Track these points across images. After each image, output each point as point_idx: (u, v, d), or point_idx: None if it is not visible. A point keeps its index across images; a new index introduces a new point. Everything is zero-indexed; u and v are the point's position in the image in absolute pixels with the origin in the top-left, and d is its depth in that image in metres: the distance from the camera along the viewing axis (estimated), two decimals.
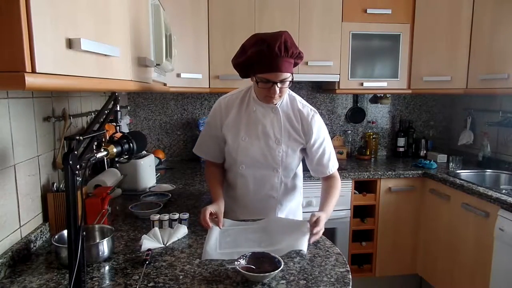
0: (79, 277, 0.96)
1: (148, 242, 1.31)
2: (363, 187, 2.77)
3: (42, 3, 0.66)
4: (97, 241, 1.28)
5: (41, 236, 1.39)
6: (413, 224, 2.77)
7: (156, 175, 2.37)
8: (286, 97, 1.57)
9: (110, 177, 1.83)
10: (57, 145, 1.61)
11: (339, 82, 2.80)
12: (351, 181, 2.67)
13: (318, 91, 3.25)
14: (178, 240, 1.38)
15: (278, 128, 1.55)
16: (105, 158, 1.25)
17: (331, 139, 3.19)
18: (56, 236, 1.21)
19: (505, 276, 1.98)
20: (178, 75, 2.53)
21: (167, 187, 2.17)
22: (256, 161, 1.57)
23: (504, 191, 2.16)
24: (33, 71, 0.63)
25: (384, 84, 2.84)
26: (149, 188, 2.14)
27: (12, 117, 1.25)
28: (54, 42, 0.70)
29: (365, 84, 2.82)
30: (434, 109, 3.39)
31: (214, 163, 1.71)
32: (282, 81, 1.40)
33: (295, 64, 1.45)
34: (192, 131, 3.14)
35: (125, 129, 2.54)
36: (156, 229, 1.40)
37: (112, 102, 1.27)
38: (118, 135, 1.34)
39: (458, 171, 2.65)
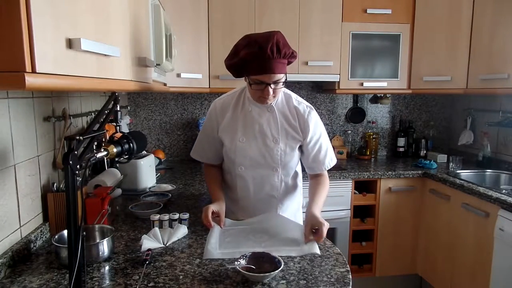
0: (79, 277, 0.96)
1: (148, 242, 1.31)
2: (363, 187, 2.77)
3: (42, 3, 0.66)
4: (97, 241, 1.28)
5: (41, 236, 1.39)
6: (413, 224, 2.77)
7: (156, 175, 2.37)
8: (281, 95, 1.56)
9: (110, 177, 1.83)
10: (57, 145, 1.61)
11: (339, 82, 2.80)
12: (351, 181, 2.67)
13: (318, 91, 3.25)
14: (178, 240, 1.38)
15: (275, 127, 1.54)
16: (105, 158, 1.25)
17: (331, 139, 3.24)
18: (56, 236, 1.21)
19: (505, 276, 1.98)
20: (178, 75, 2.53)
21: (167, 187, 2.17)
22: (255, 161, 1.57)
23: (504, 191, 2.16)
24: (33, 71, 0.63)
25: (384, 84, 2.84)
26: (149, 188, 2.14)
27: (12, 117, 1.25)
28: (54, 42, 0.70)
29: (365, 84, 2.82)
30: (434, 109, 3.39)
31: (213, 164, 1.71)
32: (276, 82, 1.39)
33: (289, 63, 1.44)
34: (192, 131, 3.14)
35: (125, 129, 2.54)
36: (156, 229, 1.40)
37: (112, 102, 1.27)
38: (118, 135, 1.34)
39: (458, 171, 2.65)
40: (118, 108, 1.34)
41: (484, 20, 2.57)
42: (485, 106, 2.96)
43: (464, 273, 2.33)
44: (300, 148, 1.61)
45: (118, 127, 1.40)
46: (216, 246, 1.30)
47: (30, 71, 0.63)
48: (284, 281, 1.09)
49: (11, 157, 1.24)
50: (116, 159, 1.37)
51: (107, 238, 1.22)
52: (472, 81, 2.70)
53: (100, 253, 1.20)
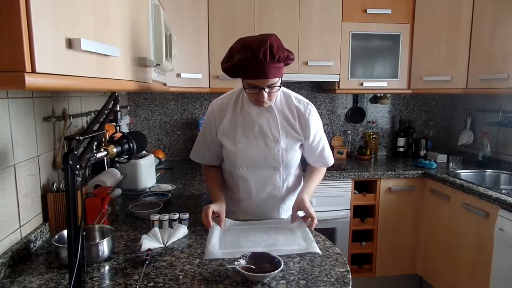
0: (79, 277, 0.96)
1: (148, 242, 1.31)
2: (363, 187, 2.77)
3: (42, 3, 0.66)
4: (97, 241, 1.28)
5: (41, 236, 1.39)
6: (413, 224, 2.77)
7: (156, 175, 2.37)
8: (280, 95, 1.56)
9: (110, 177, 1.83)
10: (57, 145, 1.61)
11: (339, 82, 2.80)
12: (351, 181, 2.67)
13: (318, 91, 3.25)
14: (178, 240, 1.38)
15: (275, 127, 1.54)
16: (105, 158, 1.25)
17: (331, 139, 3.24)
18: (56, 236, 1.21)
19: (505, 276, 1.98)
20: (178, 75, 2.53)
21: (167, 187, 2.17)
22: (256, 162, 1.57)
23: (504, 191, 2.16)
24: (33, 71, 0.63)
25: (384, 84, 2.84)
26: (149, 188, 2.14)
27: (12, 117, 1.25)
28: (54, 42, 0.70)
29: (365, 84, 2.82)
30: (434, 109, 3.39)
31: (212, 165, 1.71)
32: (270, 86, 1.38)
33: (286, 64, 1.42)
34: (192, 131, 3.14)
35: (125, 129, 2.54)
36: (156, 229, 1.40)
37: (112, 102, 1.27)
38: (118, 135, 1.34)
39: (458, 171, 2.65)
40: (118, 108, 1.34)
41: (484, 20, 2.57)
42: (485, 106, 2.97)
43: (464, 273, 2.33)
44: (301, 146, 1.61)
45: (118, 127, 1.40)
46: (217, 246, 1.30)
47: (30, 71, 0.63)
48: (284, 281, 1.09)
49: (11, 157, 1.24)
50: (116, 159, 1.37)
51: (107, 238, 1.22)
52: (472, 81, 2.70)
53: (100, 253, 1.20)
